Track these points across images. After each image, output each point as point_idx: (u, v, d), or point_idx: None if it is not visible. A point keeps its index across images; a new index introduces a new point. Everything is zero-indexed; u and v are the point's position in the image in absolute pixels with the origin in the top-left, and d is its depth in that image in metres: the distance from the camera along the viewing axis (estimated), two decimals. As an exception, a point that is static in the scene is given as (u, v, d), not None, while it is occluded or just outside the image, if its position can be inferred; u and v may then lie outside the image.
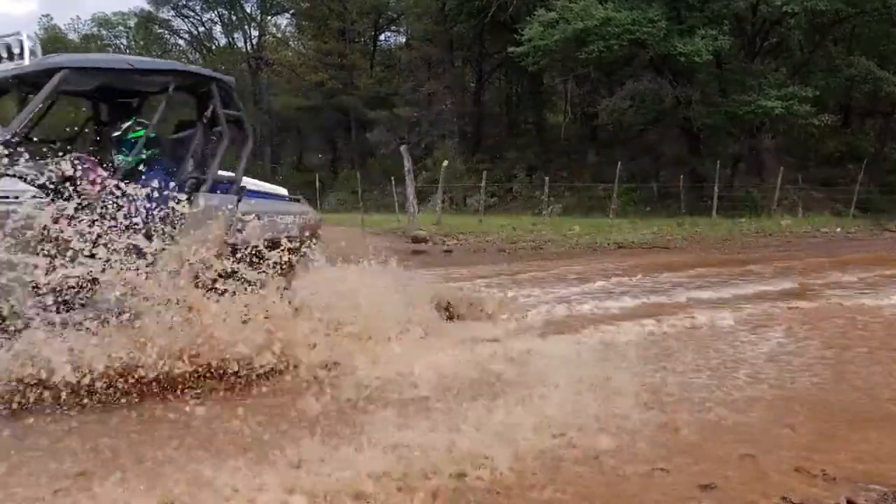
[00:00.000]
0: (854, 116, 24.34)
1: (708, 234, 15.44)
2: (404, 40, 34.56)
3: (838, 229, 16.21)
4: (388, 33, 35.67)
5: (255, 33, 37.42)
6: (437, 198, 18.02)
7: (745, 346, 4.84)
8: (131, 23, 38.97)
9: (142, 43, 38.00)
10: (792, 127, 20.43)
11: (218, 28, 38.94)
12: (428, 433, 2.87)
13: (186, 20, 38.45)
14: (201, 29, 39.12)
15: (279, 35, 38.84)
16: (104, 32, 39.09)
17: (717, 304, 6.49)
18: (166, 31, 39.12)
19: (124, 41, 39.05)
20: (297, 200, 5.07)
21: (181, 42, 40.05)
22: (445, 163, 18.40)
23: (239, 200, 4.36)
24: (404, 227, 15.68)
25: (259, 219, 4.35)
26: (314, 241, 4.69)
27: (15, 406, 3.07)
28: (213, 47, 39.29)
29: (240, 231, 4.21)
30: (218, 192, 4.34)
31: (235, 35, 38.16)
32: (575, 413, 3.19)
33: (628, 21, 17.93)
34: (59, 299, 3.29)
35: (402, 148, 16.69)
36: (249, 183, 4.61)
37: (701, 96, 19.66)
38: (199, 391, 3.49)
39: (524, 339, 4.86)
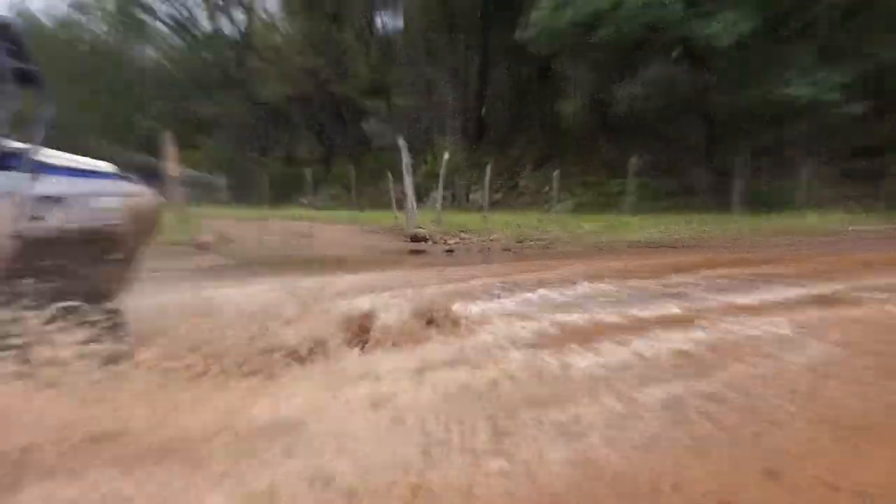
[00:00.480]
0: (888, 105, 24.24)
1: (730, 230, 15.40)
2: (402, 25, 34.61)
3: (871, 227, 16.17)
4: (386, 18, 35.74)
5: (242, 17, 37.49)
6: (438, 194, 17.99)
7: (775, 354, 4.79)
8: (110, 6, 39.05)
9: (121, 28, 38.06)
10: (821, 115, 20.37)
11: (203, 12, 39.04)
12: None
13: (168, 3, 38.53)
14: (185, 13, 39.21)
15: (268, 19, 38.89)
16: (82, 18, 39.19)
17: (745, 310, 6.42)
18: (148, 17, 39.19)
19: (104, 27, 39.15)
20: (127, 178, 4.17)
21: (163, 27, 40.15)
22: (446, 156, 18.36)
23: (34, 178, 3.60)
24: (402, 224, 15.67)
25: (62, 202, 3.62)
26: (150, 233, 4.00)
27: None
28: (198, 34, 39.36)
29: (37, 219, 3.52)
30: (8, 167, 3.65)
31: (222, 20, 38.25)
32: (591, 424, 3.17)
33: (641, 3, 17.93)
34: None
35: (401, 141, 16.65)
36: (52, 156, 3.77)
37: (721, 83, 19.63)
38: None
39: (534, 350, 4.83)
